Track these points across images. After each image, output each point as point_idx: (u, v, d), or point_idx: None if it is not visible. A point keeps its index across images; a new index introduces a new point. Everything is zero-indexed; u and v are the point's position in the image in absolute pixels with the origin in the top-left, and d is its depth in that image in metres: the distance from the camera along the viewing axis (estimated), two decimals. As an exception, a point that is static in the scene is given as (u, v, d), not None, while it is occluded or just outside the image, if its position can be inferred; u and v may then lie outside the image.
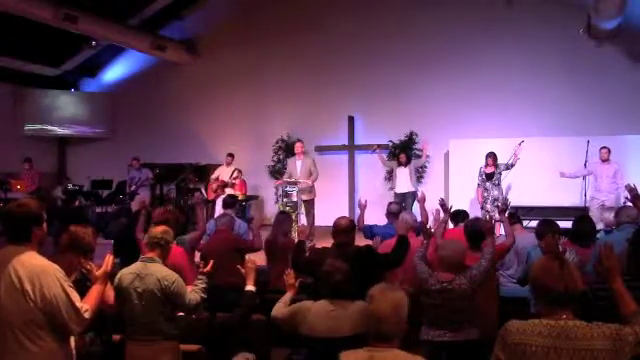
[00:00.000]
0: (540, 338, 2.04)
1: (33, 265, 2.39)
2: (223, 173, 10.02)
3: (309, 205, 8.51)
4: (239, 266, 3.61)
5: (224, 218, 5.48)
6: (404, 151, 9.42)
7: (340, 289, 3.04)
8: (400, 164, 8.96)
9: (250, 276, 3.53)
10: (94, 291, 2.65)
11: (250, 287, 3.51)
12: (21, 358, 2.35)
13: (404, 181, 8.89)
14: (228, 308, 3.64)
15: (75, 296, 2.45)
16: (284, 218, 5.89)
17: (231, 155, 10.12)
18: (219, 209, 8.91)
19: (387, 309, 2.20)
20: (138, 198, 10.36)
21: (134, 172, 10.74)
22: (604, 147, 8.06)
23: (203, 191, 10.02)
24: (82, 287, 2.72)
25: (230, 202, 6.51)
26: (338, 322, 2.94)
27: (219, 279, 4.01)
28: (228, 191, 9.53)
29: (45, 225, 2.56)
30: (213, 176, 10.12)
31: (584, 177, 8.31)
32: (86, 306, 2.49)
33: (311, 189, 8.51)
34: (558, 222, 4.48)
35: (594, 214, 7.52)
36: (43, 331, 2.38)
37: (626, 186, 4.25)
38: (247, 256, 4.58)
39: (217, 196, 9.65)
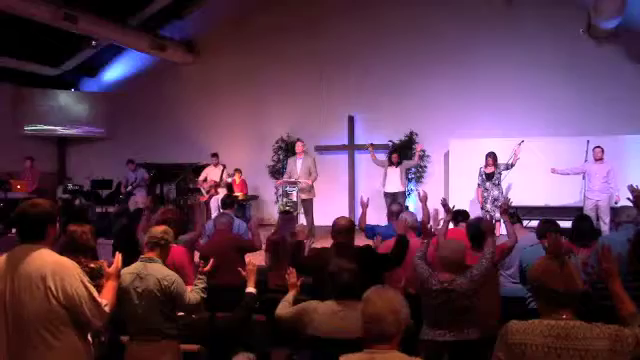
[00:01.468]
0: (540, 338, 2.04)
1: (53, 262, 2.42)
2: (211, 174, 9.99)
3: (308, 205, 8.50)
4: (240, 269, 3.61)
5: (223, 218, 5.44)
6: (397, 151, 9.40)
7: (347, 289, 3.03)
8: (391, 163, 8.95)
9: (251, 278, 3.52)
10: (109, 287, 2.67)
11: (251, 289, 3.51)
12: (44, 354, 2.38)
13: (394, 181, 8.89)
14: (228, 308, 3.63)
15: (94, 291, 2.48)
16: (290, 218, 5.85)
17: (216, 155, 10.10)
18: (214, 210, 8.91)
19: (385, 309, 2.17)
20: (134, 198, 10.41)
21: (130, 173, 10.78)
22: (598, 146, 8.05)
23: (204, 192, 10.00)
24: None
25: (229, 202, 6.51)
26: (345, 323, 2.93)
27: (219, 279, 4.01)
28: (222, 191, 9.52)
29: (58, 224, 2.59)
30: (200, 178, 10.07)
31: (583, 176, 8.29)
32: (105, 300, 2.53)
33: (310, 189, 8.51)
34: (558, 222, 4.49)
35: (588, 215, 7.49)
36: (66, 327, 2.42)
37: (629, 186, 4.25)
38: (247, 258, 4.56)
39: (210, 196, 9.64)
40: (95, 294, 2.47)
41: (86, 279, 2.48)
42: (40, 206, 2.52)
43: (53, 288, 2.37)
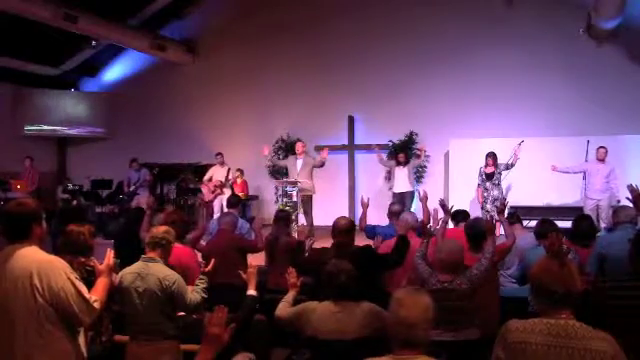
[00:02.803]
0: (540, 337, 2.04)
1: (39, 260, 2.41)
2: (217, 173, 9.97)
3: (307, 203, 8.46)
4: (240, 271, 3.61)
5: (227, 217, 5.42)
6: (403, 150, 9.42)
7: (345, 290, 3.03)
8: (399, 163, 8.98)
9: (252, 281, 3.52)
10: (100, 284, 2.66)
11: (252, 292, 3.51)
12: (32, 352, 2.37)
13: (402, 181, 8.92)
14: (228, 308, 3.63)
15: (83, 288, 2.46)
16: (285, 216, 5.85)
17: (220, 154, 10.10)
18: (217, 210, 8.90)
19: (420, 315, 2.07)
20: (137, 198, 10.40)
21: (132, 173, 10.77)
22: (602, 147, 8.05)
23: (205, 192, 9.99)
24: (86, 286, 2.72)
25: (235, 202, 6.52)
26: (343, 324, 2.92)
27: (220, 278, 4.01)
28: (227, 191, 9.49)
29: (45, 223, 2.58)
30: (206, 177, 10.04)
31: (583, 175, 8.29)
32: (95, 297, 2.51)
33: (311, 187, 8.49)
34: (558, 222, 4.50)
35: (589, 214, 7.49)
36: (53, 326, 2.40)
37: (628, 186, 4.25)
38: (249, 260, 4.56)
39: (215, 197, 9.63)
40: (83, 290, 2.45)
41: (74, 276, 2.46)
42: (25, 205, 2.51)
43: (39, 286, 2.36)
